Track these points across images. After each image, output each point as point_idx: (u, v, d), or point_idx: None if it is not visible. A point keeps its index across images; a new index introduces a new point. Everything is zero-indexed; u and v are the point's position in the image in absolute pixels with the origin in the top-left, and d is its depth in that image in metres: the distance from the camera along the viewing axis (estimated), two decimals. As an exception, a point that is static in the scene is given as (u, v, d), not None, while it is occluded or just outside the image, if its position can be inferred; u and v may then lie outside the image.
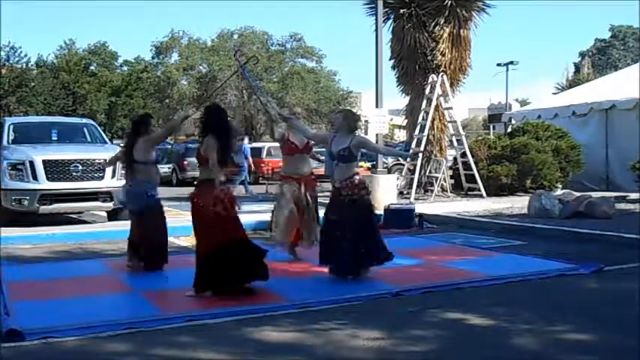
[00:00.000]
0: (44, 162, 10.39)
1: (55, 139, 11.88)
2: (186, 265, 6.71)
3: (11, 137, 11.42)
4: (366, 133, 13.00)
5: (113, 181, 10.60)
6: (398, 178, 15.15)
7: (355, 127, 6.55)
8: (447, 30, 15.33)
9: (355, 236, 6.12)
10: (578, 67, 52.43)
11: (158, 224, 6.88)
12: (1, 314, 4.97)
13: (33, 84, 40.11)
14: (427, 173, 15.35)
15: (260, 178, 22.52)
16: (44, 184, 10.33)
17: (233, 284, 5.61)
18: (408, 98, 16.35)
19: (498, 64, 38.47)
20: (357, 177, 6.35)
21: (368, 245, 6.20)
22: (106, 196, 10.67)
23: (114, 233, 9.66)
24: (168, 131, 8.35)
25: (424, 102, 15.15)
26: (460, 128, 15.80)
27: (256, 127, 38.97)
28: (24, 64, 40.84)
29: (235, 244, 5.59)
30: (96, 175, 10.72)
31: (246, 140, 25.78)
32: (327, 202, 6.57)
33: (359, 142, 6.44)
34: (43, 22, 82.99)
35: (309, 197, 7.29)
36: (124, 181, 7.03)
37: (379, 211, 11.04)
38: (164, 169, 26.15)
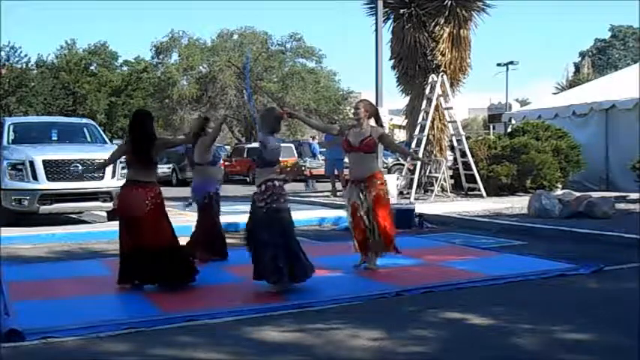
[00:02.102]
0: (44, 162, 10.39)
1: (55, 139, 11.90)
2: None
3: (11, 137, 11.42)
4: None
5: (113, 181, 10.61)
6: (398, 178, 15.15)
7: (275, 127, 5.97)
8: (447, 30, 15.32)
9: (272, 249, 5.58)
10: (578, 67, 52.33)
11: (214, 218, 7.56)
12: (1, 314, 4.96)
13: (33, 84, 40.10)
14: (427, 173, 15.35)
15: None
16: (44, 184, 10.33)
17: (154, 282, 5.93)
18: (408, 98, 16.34)
19: (498, 64, 38.59)
20: (273, 182, 5.73)
21: (285, 261, 5.60)
22: (106, 196, 10.68)
23: (114, 233, 9.62)
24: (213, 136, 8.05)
25: (424, 102, 15.15)
26: (460, 128, 15.79)
27: (256, 127, 39.01)
28: (24, 64, 40.85)
29: (151, 247, 5.83)
30: (96, 175, 10.72)
31: (316, 139, 26.00)
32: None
33: (260, 144, 5.79)
34: (43, 22, 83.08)
35: (368, 203, 6.56)
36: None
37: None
38: (163, 169, 26.22)
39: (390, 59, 16.03)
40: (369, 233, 6.62)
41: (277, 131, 6.05)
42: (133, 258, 5.89)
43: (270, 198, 5.70)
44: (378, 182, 6.66)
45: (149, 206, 5.88)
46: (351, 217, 6.78)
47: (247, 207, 6.02)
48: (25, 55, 40.89)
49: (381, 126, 7.03)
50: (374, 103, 14.08)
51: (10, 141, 11.31)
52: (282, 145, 28.71)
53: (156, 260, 5.82)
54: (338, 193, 14.74)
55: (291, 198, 15.81)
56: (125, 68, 46.12)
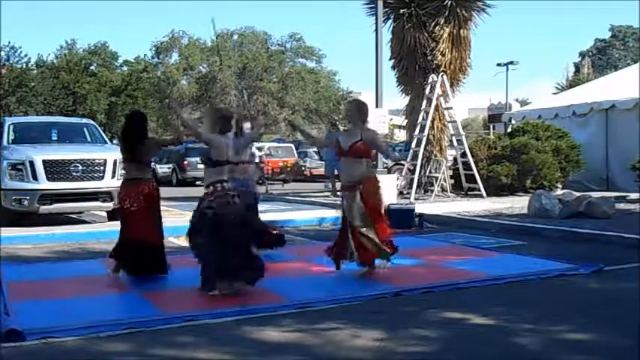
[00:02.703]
0: (44, 162, 10.39)
1: (55, 139, 11.89)
2: (186, 265, 6.71)
3: (11, 137, 11.41)
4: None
5: (113, 181, 10.60)
6: (398, 178, 15.14)
7: (225, 127, 5.86)
8: (447, 30, 15.33)
9: (221, 249, 5.54)
10: (578, 67, 52.33)
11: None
12: (1, 314, 4.96)
13: (33, 84, 40.11)
14: (427, 173, 15.35)
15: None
16: (44, 184, 10.33)
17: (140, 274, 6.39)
18: (408, 98, 16.35)
19: (498, 64, 38.50)
20: (222, 184, 5.69)
21: (232, 261, 5.53)
22: (106, 196, 10.67)
23: (114, 233, 9.62)
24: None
25: (424, 102, 15.14)
26: (460, 128, 15.79)
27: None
28: (24, 64, 40.86)
29: (136, 241, 6.32)
30: (96, 175, 10.72)
31: None
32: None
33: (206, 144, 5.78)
34: (43, 22, 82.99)
35: (355, 210, 6.21)
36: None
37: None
38: (164, 168, 26.25)
39: (390, 59, 16.04)
40: (371, 245, 6.30)
41: (228, 131, 5.97)
42: (125, 247, 6.46)
43: (221, 200, 5.66)
44: (371, 189, 6.26)
45: (142, 201, 6.31)
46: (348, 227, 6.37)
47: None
48: (25, 55, 40.95)
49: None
50: (374, 102, 14.13)
51: (10, 141, 11.30)
52: (283, 145, 29.02)
53: (138, 253, 6.29)
54: (338, 193, 14.74)
55: (291, 198, 15.84)
56: (125, 68, 46.12)
